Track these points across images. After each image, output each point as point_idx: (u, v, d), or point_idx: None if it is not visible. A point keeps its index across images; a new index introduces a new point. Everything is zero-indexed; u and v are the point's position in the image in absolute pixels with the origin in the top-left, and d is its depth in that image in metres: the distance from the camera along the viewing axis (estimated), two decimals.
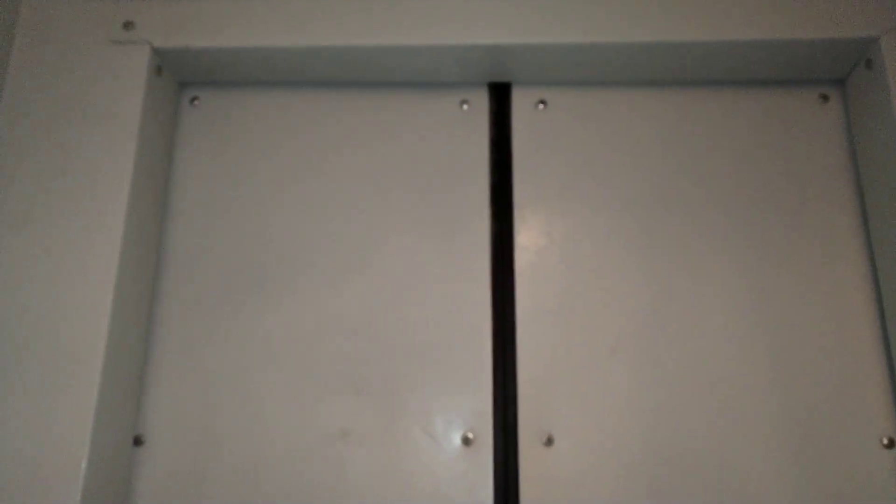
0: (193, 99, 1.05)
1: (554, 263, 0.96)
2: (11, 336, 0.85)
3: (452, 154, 1.01)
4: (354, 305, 0.95)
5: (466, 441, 0.90)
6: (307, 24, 0.96)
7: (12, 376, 0.83)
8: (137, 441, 0.92)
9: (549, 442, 0.90)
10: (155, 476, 0.90)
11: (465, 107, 1.03)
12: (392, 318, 0.95)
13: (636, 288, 0.95)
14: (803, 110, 1.01)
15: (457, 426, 0.91)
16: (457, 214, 0.98)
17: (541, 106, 1.02)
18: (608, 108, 1.02)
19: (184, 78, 1.04)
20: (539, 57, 0.97)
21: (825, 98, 1.01)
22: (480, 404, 0.91)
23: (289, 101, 1.04)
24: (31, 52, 0.96)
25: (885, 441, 0.87)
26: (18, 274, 0.87)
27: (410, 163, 1.01)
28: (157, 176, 0.99)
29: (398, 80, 1.03)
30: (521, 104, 1.03)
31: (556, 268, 0.96)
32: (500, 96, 1.04)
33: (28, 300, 0.86)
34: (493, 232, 0.98)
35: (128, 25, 0.96)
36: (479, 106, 1.03)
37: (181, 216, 1.01)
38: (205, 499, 0.89)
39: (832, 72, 0.99)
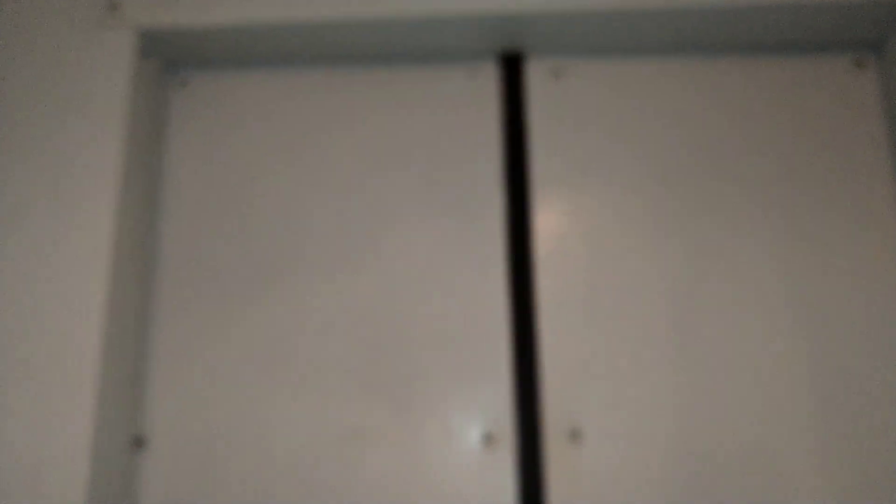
0: (184, 82, 1.03)
1: (578, 248, 0.94)
2: None
3: (461, 132, 0.99)
4: (361, 297, 0.93)
5: (487, 439, 0.88)
6: None
7: (3, 381, 0.82)
8: (140, 442, 0.90)
9: (578, 437, 0.87)
10: (159, 479, 0.89)
11: (473, 80, 1.01)
12: (402, 310, 0.93)
13: (667, 272, 0.93)
14: (837, 78, 0.98)
15: (476, 423, 0.88)
16: (467, 198, 0.96)
17: (558, 77, 1.00)
18: (631, 78, 1.00)
19: (173, 60, 1.02)
20: (555, 24, 0.95)
21: (860, 64, 0.99)
22: (500, 398, 0.89)
23: (284, 81, 1.02)
24: (11, 37, 0.94)
25: None
26: (4, 273, 0.86)
27: (416, 143, 0.99)
28: (148, 165, 0.97)
29: (399, 54, 1.01)
30: (537, 76, 1.00)
31: (580, 253, 0.94)
32: (511, 68, 1.01)
33: (14, 299, 0.85)
34: (508, 215, 0.96)
35: (112, 6, 0.94)
36: (488, 79, 1.01)
37: (175, 206, 0.99)
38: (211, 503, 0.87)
39: (867, 36, 0.97)
